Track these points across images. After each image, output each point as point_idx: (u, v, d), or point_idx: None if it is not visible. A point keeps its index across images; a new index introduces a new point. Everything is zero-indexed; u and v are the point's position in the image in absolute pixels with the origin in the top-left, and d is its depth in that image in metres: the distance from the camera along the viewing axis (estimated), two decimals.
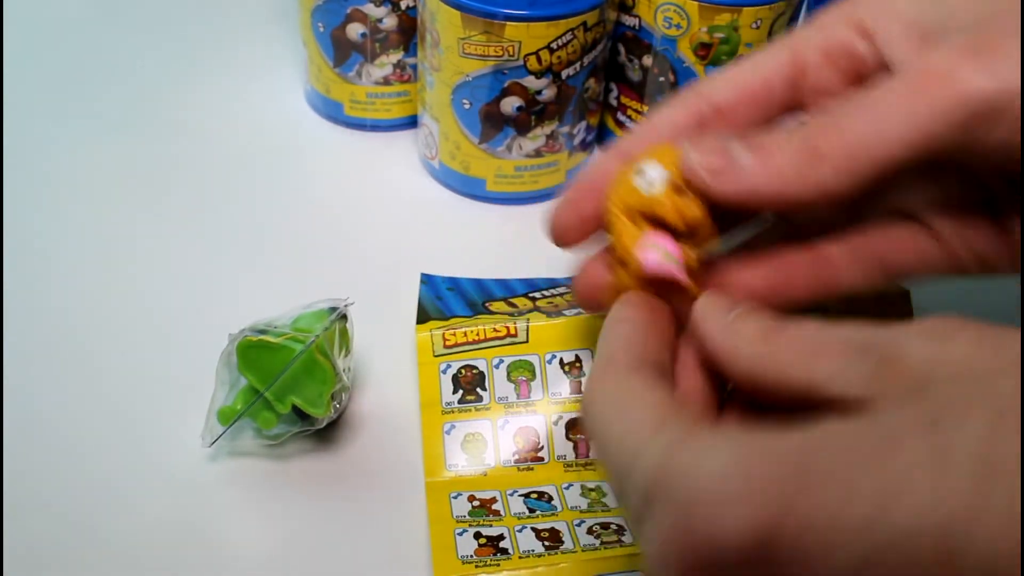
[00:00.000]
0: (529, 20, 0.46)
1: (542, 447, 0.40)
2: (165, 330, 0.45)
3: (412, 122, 0.57)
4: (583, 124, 0.52)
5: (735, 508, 0.20)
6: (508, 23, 0.46)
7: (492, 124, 0.50)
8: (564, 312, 0.41)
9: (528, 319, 0.41)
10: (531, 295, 0.45)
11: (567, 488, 0.39)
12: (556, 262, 0.50)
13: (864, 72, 0.29)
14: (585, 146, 0.54)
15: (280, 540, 0.38)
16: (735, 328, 0.25)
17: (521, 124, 0.50)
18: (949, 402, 0.20)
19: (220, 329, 0.46)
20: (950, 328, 0.22)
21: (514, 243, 0.51)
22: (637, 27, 0.51)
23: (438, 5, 0.47)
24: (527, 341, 0.41)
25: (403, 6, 0.53)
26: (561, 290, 0.45)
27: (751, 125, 0.30)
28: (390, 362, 0.44)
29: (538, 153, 0.52)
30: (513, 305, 0.44)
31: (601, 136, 0.57)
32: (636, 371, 0.26)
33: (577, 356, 0.41)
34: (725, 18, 0.49)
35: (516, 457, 0.39)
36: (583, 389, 0.27)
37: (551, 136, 0.51)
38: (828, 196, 0.26)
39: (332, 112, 0.57)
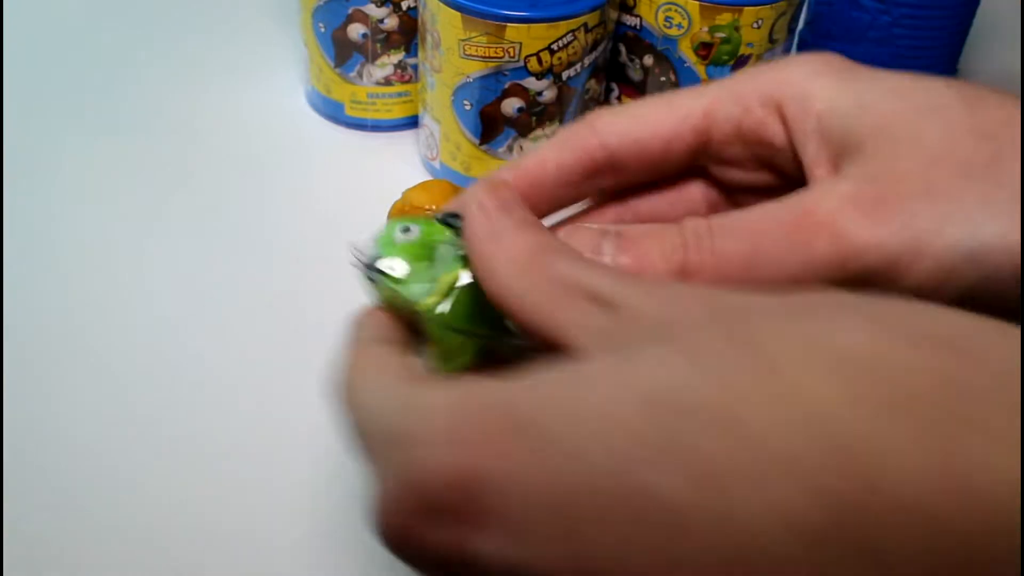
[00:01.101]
0: (530, 21, 0.46)
1: None
2: (165, 330, 0.45)
3: (413, 122, 0.57)
4: None
5: (442, 452, 0.20)
6: (509, 24, 0.46)
7: (493, 125, 0.50)
8: None
9: None
10: None
11: None
12: None
13: (773, 158, 0.28)
14: None
15: None
16: (501, 240, 0.24)
17: (522, 125, 0.50)
18: (646, 337, 0.20)
19: (220, 329, 0.46)
20: (676, 289, 0.22)
21: None
22: (638, 27, 0.51)
23: (439, 6, 0.47)
24: None
25: (404, 7, 0.53)
26: None
27: (639, 180, 0.30)
28: None
29: None
30: None
31: None
32: (379, 343, 0.26)
33: None
34: (726, 18, 0.48)
35: None
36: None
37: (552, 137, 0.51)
38: None
39: (333, 112, 0.57)
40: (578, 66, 0.49)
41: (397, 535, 0.21)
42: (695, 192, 0.31)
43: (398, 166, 0.55)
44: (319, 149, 0.56)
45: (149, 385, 0.43)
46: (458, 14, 0.47)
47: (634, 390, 0.19)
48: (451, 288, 0.27)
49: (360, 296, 0.49)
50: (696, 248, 0.25)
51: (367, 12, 0.52)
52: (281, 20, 0.65)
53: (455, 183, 0.45)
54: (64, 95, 0.59)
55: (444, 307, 0.27)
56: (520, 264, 0.23)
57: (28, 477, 0.39)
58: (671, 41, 0.50)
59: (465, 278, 0.26)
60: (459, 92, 0.49)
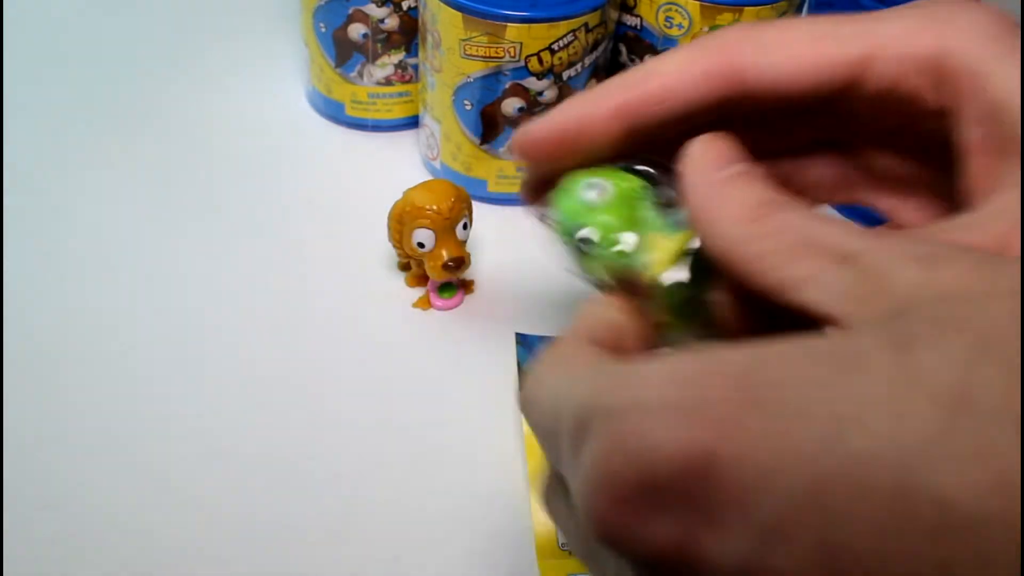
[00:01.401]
0: (530, 21, 0.46)
1: None
2: (166, 329, 0.45)
3: (413, 122, 0.57)
4: None
5: (670, 423, 0.17)
6: (509, 24, 0.46)
7: (493, 125, 0.50)
8: None
9: None
10: None
11: None
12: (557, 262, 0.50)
13: (911, 128, 0.26)
14: None
15: None
16: (724, 192, 0.22)
17: (522, 125, 0.50)
18: (928, 322, 0.17)
19: (220, 329, 0.46)
20: (944, 253, 0.19)
21: (515, 244, 0.51)
22: (639, 27, 0.51)
23: (439, 6, 0.47)
24: None
25: (404, 7, 0.53)
26: None
27: (761, 127, 0.27)
28: (400, 365, 0.44)
29: None
30: None
31: None
32: (590, 343, 0.23)
33: None
34: (727, 18, 0.48)
35: None
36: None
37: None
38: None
39: (333, 112, 0.57)
40: (579, 66, 0.49)
41: (613, 523, 0.18)
42: (821, 165, 0.28)
43: (399, 166, 0.55)
44: (319, 149, 0.56)
45: (151, 384, 0.43)
46: (459, 14, 0.47)
47: (923, 383, 0.16)
48: (681, 252, 0.24)
49: (360, 296, 0.49)
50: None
51: (368, 12, 0.52)
52: (282, 20, 0.65)
53: (456, 183, 0.45)
54: (64, 95, 0.59)
55: (680, 274, 0.23)
56: (749, 217, 0.21)
57: (28, 477, 0.39)
58: (672, 41, 0.50)
59: (697, 240, 0.24)
60: (460, 92, 0.49)
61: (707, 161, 0.23)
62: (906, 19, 0.25)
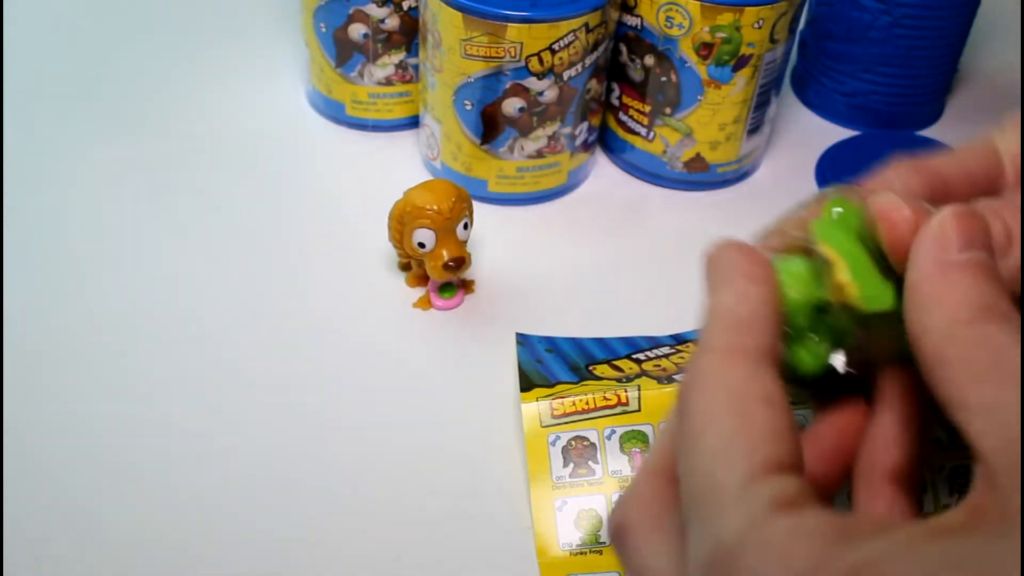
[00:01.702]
0: (531, 21, 0.46)
1: None
2: (166, 328, 0.45)
3: (414, 122, 0.57)
4: (585, 125, 0.52)
5: None
6: (510, 24, 0.46)
7: (494, 125, 0.50)
8: (675, 377, 0.40)
9: (639, 386, 0.39)
10: (635, 357, 0.43)
11: None
12: (559, 262, 0.51)
13: None
14: (587, 147, 0.54)
15: None
16: (950, 279, 0.21)
17: (523, 125, 0.50)
18: None
19: (220, 329, 0.46)
20: None
21: (516, 244, 0.51)
22: (639, 27, 0.51)
23: (440, 6, 0.47)
24: (639, 410, 0.39)
25: (405, 7, 0.53)
26: (665, 350, 0.43)
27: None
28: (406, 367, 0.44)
29: (540, 154, 0.52)
30: (618, 368, 0.42)
31: (603, 136, 0.57)
32: (766, 366, 0.22)
33: None
34: (727, 18, 0.48)
35: None
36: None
37: (553, 137, 0.51)
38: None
39: (334, 112, 0.57)
40: (579, 66, 0.49)
41: None
42: None
43: (399, 166, 0.55)
44: (320, 149, 0.56)
45: (151, 383, 0.43)
46: (459, 14, 0.47)
47: None
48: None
49: (361, 296, 0.49)
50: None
51: (368, 12, 0.52)
52: (282, 20, 0.65)
53: (456, 183, 0.45)
54: (65, 96, 0.59)
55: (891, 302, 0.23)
56: (966, 319, 0.20)
57: (28, 477, 0.39)
58: (672, 41, 0.50)
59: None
60: (460, 92, 0.49)
61: (945, 239, 0.22)
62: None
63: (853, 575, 0.17)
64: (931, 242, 0.22)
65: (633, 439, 0.39)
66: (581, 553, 0.37)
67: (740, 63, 0.50)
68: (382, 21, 0.53)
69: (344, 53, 0.54)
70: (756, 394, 0.21)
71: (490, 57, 0.48)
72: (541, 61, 0.48)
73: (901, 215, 0.22)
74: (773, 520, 0.19)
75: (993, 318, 0.20)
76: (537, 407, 0.39)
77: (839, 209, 0.24)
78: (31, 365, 0.43)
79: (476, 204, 0.47)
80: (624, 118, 0.55)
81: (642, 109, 0.53)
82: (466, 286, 0.48)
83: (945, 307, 0.21)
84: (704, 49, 0.50)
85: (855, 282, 0.23)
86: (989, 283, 0.21)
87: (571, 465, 0.38)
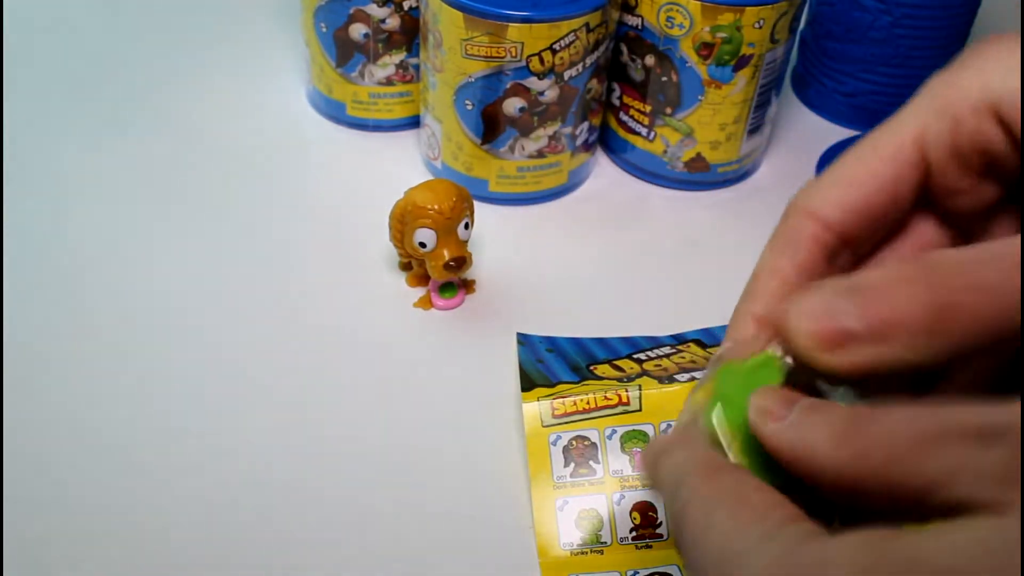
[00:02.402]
0: (532, 21, 0.46)
1: (660, 523, 0.38)
2: (166, 328, 0.45)
3: (414, 122, 0.57)
4: (585, 124, 0.52)
5: None
6: (511, 24, 0.46)
7: (494, 125, 0.50)
8: (676, 377, 0.40)
9: (640, 385, 0.39)
10: (636, 357, 0.43)
11: None
12: (560, 262, 0.51)
13: (994, 165, 0.25)
14: (587, 147, 0.54)
15: None
16: (802, 431, 0.21)
17: (523, 125, 0.50)
18: None
19: (220, 329, 0.46)
20: None
21: (516, 244, 0.51)
22: (639, 27, 0.51)
23: (440, 6, 0.47)
24: (640, 410, 0.39)
25: (406, 7, 0.53)
26: (666, 350, 0.43)
27: (871, 245, 0.27)
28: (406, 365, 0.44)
29: (540, 154, 0.52)
30: (619, 368, 0.42)
31: (603, 136, 0.57)
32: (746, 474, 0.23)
33: None
34: (728, 18, 0.48)
35: (634, 535, 0.38)
36: (653, 455, 0.24)
37: (553, 137, 0.51)
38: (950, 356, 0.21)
39: (334, 112, 0.57)
40: (580, 66, 0.49)
41: None
42: (923, 234, 0.28)
43: (399, 166, 0.55)
44: (320, 149, 0.56)
45: (151, 383, 0.43)
46: (460, 14, 0.47)
47: None
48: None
49: (361, 296, 0.49)
50: (950, 285, 0.21)
51: (369, 12, 0.52)
52: (282, 20, 0.65)
53: (457, 183, 0.45)
54: (65, 95, 0.59)
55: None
56: (843, 443, 0.20)
57: (28, 477, 0.39)
58: (672, 41, 0.50)
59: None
60: (461, 92, 0.49)
61: (768, 412, 0.22)
62: (938, 83, 0.25)
63: (911, 566, 0.17)
64: (759, 427, 0.22)
65: (634, 439, 0.39)
66: (582, 553, 0.37)
67: (741, 63, 0.50)
68: (383, 21, 0.53)
69: (344, 53, 0.54)
70: (749, 484, 0.22)
71: (491, 57, 0.48)
72: (542, 61, 0.48)
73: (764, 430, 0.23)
74: (808, 543, 0.19)
75: (867, 418, 0.20)
76: (538, 407, 0.39)
77: (718, 409, 0.25)
78: (31, 364, 0.43)
79: (477, 204, 0.47)
80: (625, 118, 0.55)
81: (643, 109, 0.53)
82: (467, 286, 0.48)
83: (824, 448, 0.21)
84: (705, 49, 0.50)
85: (745, 459, 0.24)
86: (834, 408, 0.21)
87: (572, 465, 0.39)
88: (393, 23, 0.53)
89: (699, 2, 0.48)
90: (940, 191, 0.26)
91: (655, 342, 0.44)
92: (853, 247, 0.26)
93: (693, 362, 0.42)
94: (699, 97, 0.51)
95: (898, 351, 0.21)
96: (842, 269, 0.27)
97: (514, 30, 0.46)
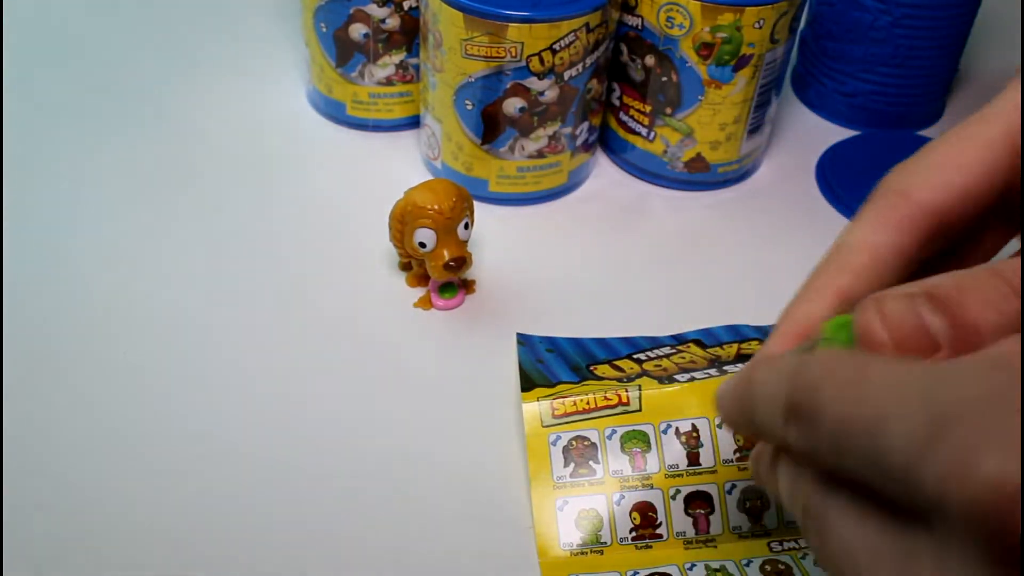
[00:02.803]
0: (532, 21, 0.46)
1: (660, 523, 0.38)
2: (166, 328, 0.45)
3: (414, 122, 0.57)
4: (585, 125, 0.52)
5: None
6: (511, 24, 0.46)
7: (494, 125, 0.50)
8: (676, 377, 0.40)
9: (639, 386, 0.40)
10: (636, 357, 0.43)
11: (690, 569, 0.37)
12: (560, 262, 0.51)
13: None
14: (587, 147, 0.54)
15: None
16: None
17: (523, 125, 0.50)
18: None
19: (220, 328, 0.46)
20: None
21: (517, 244, 0.51)
22: (639, 27, 0.51)
23: (440, 6, 0.47)
24: (640, 410, 0.39)
25: (405, 7, 0.53)
26: (666, 351, 0.43)
27: (958, 241, 0.27)
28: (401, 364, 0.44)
29: (540, 154, 0.52)
30: (619, 369, 0.42)
31: (603, 136, 0.57)
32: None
33: (693, 425, 0.39)
34: (728, 18, 0.48)
35: (634, 535, 0.38)
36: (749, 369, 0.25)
37: (553, 137, 0.51)
38: None
39: (334, 112, 0.57)
40: (580, 66, 0.49)
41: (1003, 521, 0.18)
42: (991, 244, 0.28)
43: (399, 166, 0.55)
44: (320, 149, 0.56)
45: (151, 383, 0.43)
46: (460, 14, 0.47)
47: None
48: None
49: (361, 296, 0.49)
50: None
51: (368, 12, 0.52)
52: (282, 20, 0.65)
53: (457, 183, 0.45)
54: (66, 96, 0.59)
55: None
56: (788, 492, 0.23)
57: (28, 477, 0.39)
58: (673, 41, 0.50)
59: None
60: (461, 92, 0.49)
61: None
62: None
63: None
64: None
65: (634, 439, 0.39)
66: (582, 553, 0.37)
67: (741, 63, 0.50)
68: (383, 21, 0.53)
69: (344, 53, 0.54)
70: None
71: (491, 57, 0.48)
72: (542, 61, 0.48)
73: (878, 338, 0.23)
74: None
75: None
76: (538, 407, 0.39)
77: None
78: (32, 363, 0.43)
79: (477, 204, 0.47)
80: (625, 118, 0.55)
81: (643, 109, 0.53)
82: (467, 286, 0.48)
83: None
84: (705, 49, 0.50)
85: None
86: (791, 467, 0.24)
87: (572, 465, 0.38)
88: (393, 23, 0.53)
89: (699, 2, 0.48)
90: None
91: (655, 342, 0.44)
92: (945, 237, 0.26)
93: (693, 362, 0.42)
94: (699, 97, 0.51)
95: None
96: (932, 254, 0.27)
97: (514, 30, 0.46)
